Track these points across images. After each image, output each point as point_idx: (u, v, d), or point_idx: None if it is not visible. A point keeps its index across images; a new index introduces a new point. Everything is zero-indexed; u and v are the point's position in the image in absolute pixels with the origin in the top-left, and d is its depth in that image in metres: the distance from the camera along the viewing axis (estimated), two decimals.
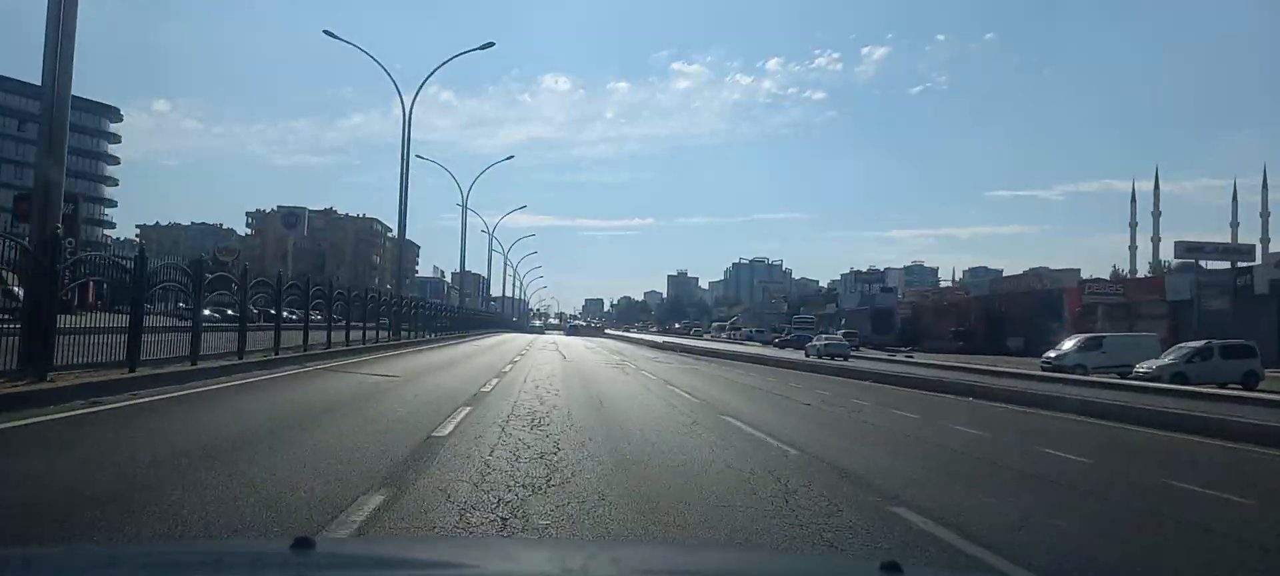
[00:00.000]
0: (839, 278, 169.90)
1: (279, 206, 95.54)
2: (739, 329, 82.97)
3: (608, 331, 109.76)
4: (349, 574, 2.07)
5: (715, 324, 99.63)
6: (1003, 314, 57.35)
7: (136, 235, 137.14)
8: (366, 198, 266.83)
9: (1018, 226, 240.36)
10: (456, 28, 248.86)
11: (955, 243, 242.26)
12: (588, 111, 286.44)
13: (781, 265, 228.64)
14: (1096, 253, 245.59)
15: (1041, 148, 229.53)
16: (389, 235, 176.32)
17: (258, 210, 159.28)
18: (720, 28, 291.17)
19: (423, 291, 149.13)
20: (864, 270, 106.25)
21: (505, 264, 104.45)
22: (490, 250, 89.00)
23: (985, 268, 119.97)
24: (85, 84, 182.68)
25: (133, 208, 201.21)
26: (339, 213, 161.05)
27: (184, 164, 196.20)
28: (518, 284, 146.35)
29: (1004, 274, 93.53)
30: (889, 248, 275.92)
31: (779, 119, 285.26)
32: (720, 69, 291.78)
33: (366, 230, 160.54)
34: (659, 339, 57.68)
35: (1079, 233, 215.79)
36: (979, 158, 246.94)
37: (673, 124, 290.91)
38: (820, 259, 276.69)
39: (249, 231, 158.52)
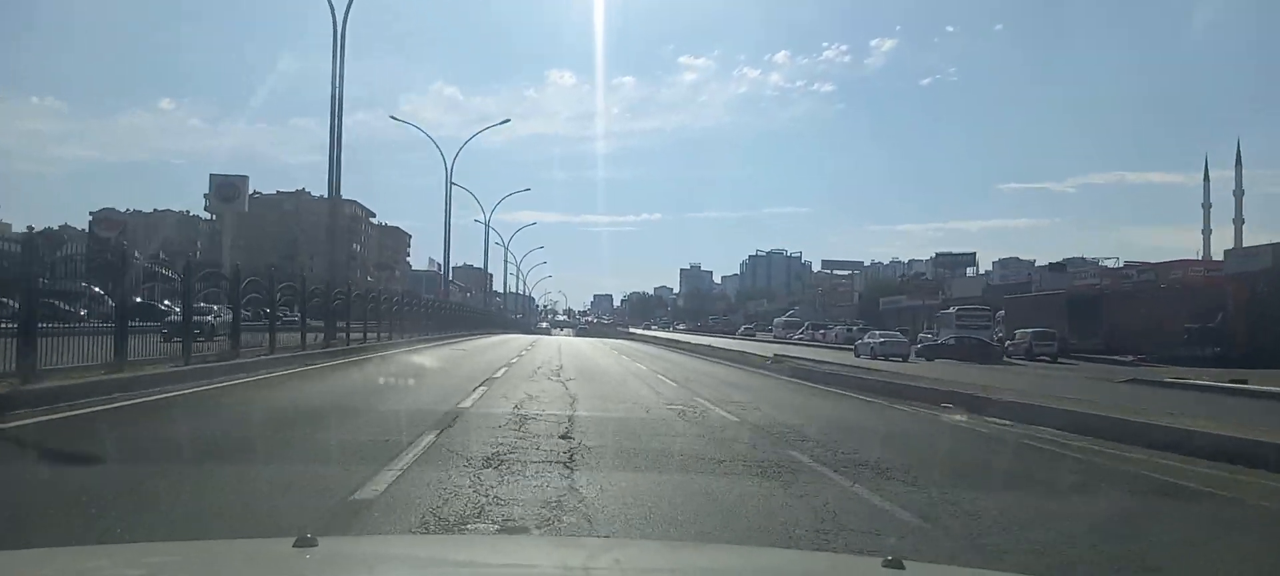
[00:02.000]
0: (858, 270, 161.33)
1: (212, 175, 72.36)
2: (824, 328, 61.26)
3: (634, 330, 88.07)
4: (348, 572, 2.06)
5: (779, 320, 77.88)
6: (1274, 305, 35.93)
7: (88, 222, 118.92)
8: (373, 194, 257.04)
9: (1028, 220, 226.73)
10: (462, 22, 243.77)
11: (964, 236, 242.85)
12: (593, 107, 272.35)
13: (800, 257, 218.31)
14: (1115, 245, 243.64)
15: (1052, 140, 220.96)
16: (372, 220, 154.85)
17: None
18: (728, 20, 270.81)
19: (415, 284, 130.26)
20: (957, 252, 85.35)
21: (488, 243, 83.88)
22: (449, 219, 68.48)
23: (1017, 259, 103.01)
24: (90, 82, 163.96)
25: (131, 200, 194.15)
26: (312, 194, 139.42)
27: (189, 161, 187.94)
28: (520, 278, 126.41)
29: (1036, 264, 75.97)
30: (897, 241, 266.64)
31: (787, 112, 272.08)
32: (728, 62, 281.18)
33: (339, 213, 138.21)
34: (748, 349, 35.77)
35: (1092, 226, 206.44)
36: (989, 150, 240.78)
37: (680, 118, 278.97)
38: (827, 252, 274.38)
39: (208, 215, 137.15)
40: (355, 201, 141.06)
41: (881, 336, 40.90)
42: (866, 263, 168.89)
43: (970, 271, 77.67)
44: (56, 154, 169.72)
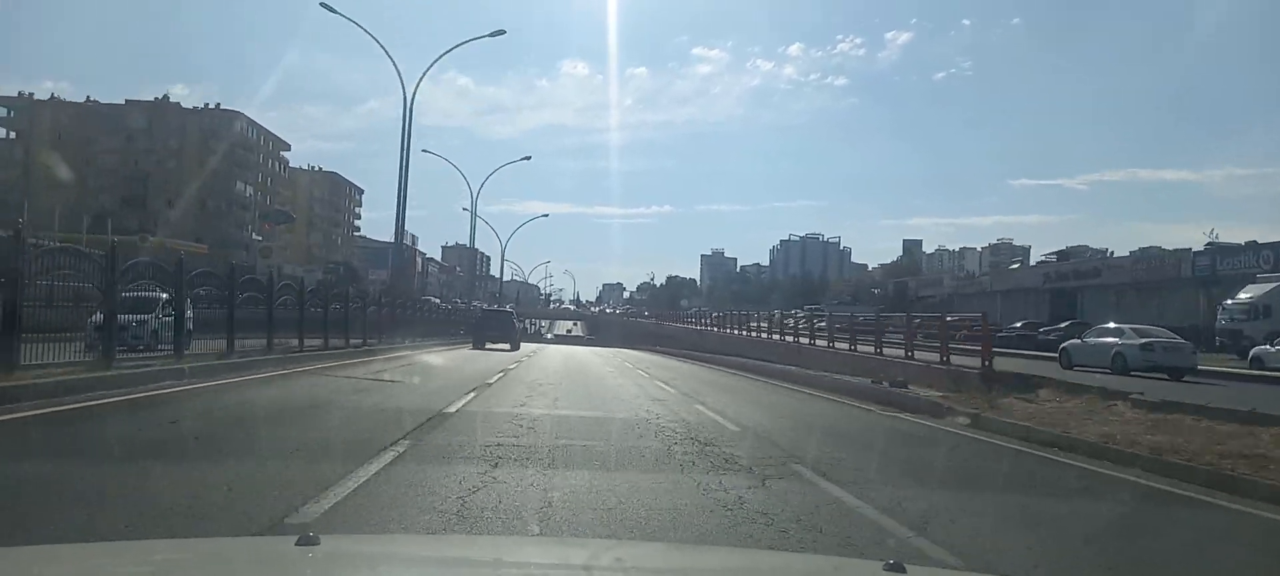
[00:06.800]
0: (888, 262, 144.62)
1: None
2: None
3: (750, 332, 37.70)
4: (351, 570, 2.03)
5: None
6: None
7: None
8: (376, 185, 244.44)
9: (1040, 216, 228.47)
10: (475, 11, 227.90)
11: (977, 231, 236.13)
12: (606, 97, 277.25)
13: (839, 243, 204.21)
14: (1129, 242, 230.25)
15: (1066, 136, 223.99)
16: (284, 154, 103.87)
17: (24, 93, 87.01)
18: (741, 12, 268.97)
19: (375, 257, 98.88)
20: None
21: (474, 224, 52.69)
22: (406, 155, 23.36)
23: (1087, 247, 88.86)
24: (100, 67, 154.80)
25: None
26: (184, 106, 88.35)
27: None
28: (505, 259, 77.70)
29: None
30: (908, 235, 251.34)
31: (800, 105, 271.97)
32: (741, 54, 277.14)
33: (219, 135, 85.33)
34: None
35: (1103, 223, 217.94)
36: (1002, 146, 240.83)
37: (692, 110, 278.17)
38: (842, 244, 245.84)
39: (4, 132, 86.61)
40: (240, 113, 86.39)
41: (1138, 335, 23.03)
42: (890, 257, 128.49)
43: None
44: None
